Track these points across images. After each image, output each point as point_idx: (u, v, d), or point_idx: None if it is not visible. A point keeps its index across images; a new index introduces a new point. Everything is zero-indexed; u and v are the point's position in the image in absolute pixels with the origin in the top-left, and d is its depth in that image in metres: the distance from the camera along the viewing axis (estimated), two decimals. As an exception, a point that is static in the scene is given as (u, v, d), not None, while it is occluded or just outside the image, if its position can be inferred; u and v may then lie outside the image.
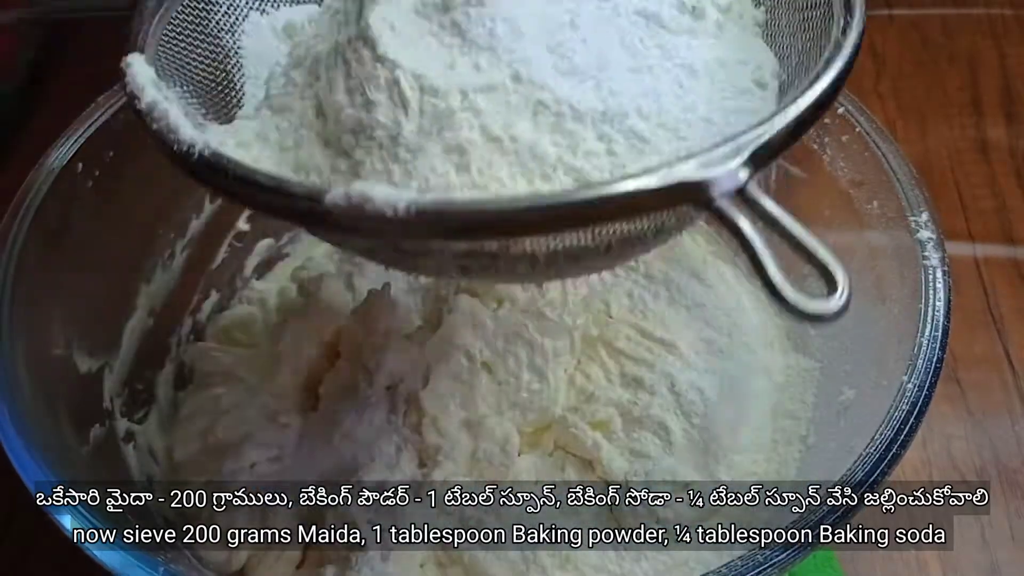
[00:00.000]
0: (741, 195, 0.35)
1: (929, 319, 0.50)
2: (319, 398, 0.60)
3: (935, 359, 0.49)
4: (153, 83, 0.42)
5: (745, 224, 0.34)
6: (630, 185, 0.34)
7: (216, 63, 0.50)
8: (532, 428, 0.60)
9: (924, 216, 0.54)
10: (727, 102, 0.43)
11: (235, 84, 0.50)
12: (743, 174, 0.35)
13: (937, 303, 0.51)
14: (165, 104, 0.40)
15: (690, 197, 0.35)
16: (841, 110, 0.59)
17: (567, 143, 0.40)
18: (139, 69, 0.42)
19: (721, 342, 0.63)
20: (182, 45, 0.48)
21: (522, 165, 0.40)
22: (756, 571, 0.42)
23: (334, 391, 0.59)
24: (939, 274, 0.52)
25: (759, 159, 0.35)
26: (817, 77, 0.38)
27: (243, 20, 0.51)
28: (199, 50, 0.49)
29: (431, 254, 0.42)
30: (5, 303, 0.51)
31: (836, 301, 0.33)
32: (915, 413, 0.47)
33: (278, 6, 0.52)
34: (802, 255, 0.34)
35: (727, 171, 0.35)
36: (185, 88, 0.47)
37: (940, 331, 0.50)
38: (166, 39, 0.48)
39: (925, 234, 0.53)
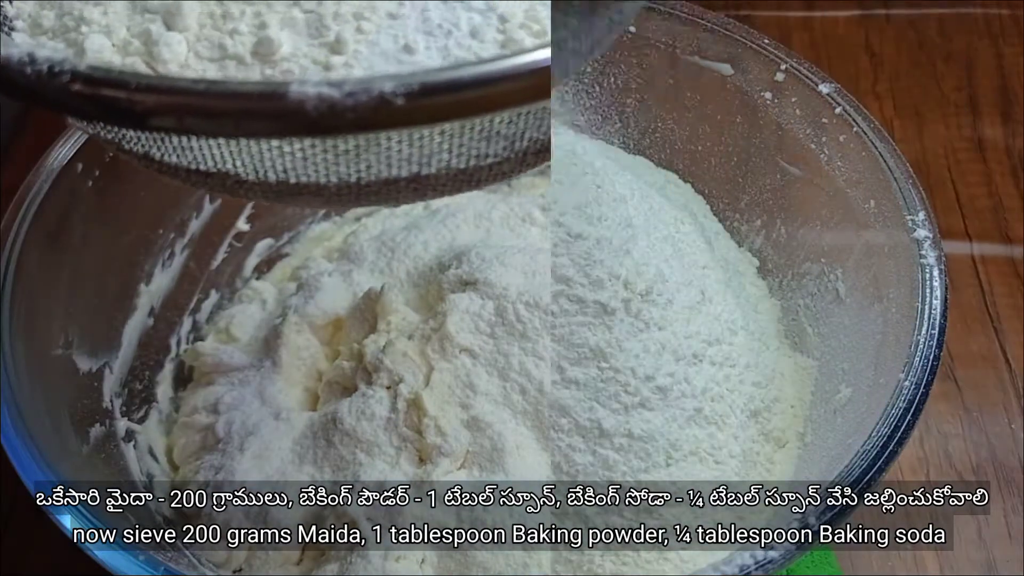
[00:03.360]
0: None
1: (926, 317, 0.50)
2: (319, 397, 0.61)
3: (932, 357, 0.49)
4: None
5: None
6: None
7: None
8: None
9: (921, 215, 0.54)
10: None
11: None
12: None
13: (934, 301, 0.51)
14: None
15: None
16: (838, 110, 0.59)
17: None
18: None
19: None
20: None
21: None
22: (756, 571, 0.42)
23: (334, 391, 0.59)
24: (936, 272, 0.52)
25: None
26: None
27: None
28: None
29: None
30: (5, 303, 0.51)
31: None
32: (912, 411, 0.47)
33: None
34: None
35: None
36: None
37: (937, 329, 0.50)
38: None
39: (922, 233, 0.53)
